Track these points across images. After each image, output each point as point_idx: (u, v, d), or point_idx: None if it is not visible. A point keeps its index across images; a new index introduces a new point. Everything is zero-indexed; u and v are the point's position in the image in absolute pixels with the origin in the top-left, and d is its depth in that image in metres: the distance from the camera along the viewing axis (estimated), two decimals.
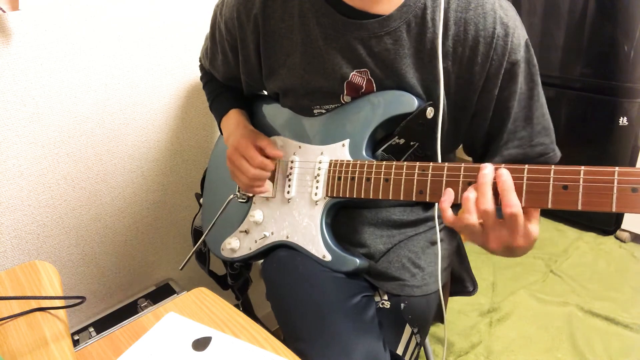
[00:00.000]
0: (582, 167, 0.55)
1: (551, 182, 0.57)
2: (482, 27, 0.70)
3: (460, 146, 0.88)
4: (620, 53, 1.76)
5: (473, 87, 0.74)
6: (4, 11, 0.86)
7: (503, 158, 0.78)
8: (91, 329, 1.12)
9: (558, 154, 0.81)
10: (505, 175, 0.58)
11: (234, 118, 0.95)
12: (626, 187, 0.53)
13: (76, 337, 1.10)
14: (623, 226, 1.97)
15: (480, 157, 0.84)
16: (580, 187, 0.55)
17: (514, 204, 0.57)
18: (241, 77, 0.91)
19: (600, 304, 1.61)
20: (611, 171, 0.53)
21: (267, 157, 0.86)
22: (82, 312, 1.17)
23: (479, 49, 0.71)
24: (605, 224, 2.01)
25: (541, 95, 0.77)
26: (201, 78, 1.08)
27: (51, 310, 0.67)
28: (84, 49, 0.99)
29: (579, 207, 0.55)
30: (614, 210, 0.53)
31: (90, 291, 1.18)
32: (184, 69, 1.17)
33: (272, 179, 0.90)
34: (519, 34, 0.72)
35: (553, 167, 0.57)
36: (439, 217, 0.88)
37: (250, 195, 0.93)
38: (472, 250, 2.00)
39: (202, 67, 1.07)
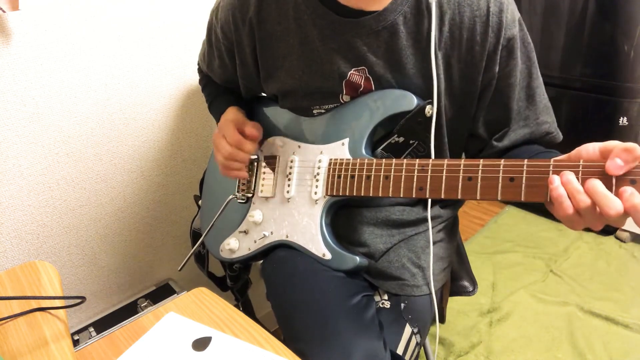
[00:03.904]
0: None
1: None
2: (476, 7, 0.71)
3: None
4: (620, 53, 1.76)
5: (477, 69, 0.74)
6: (4, 11, 0.86)
7: (508, 141, 0.78)
8: (91, 329, 1.12)
9: (560, 134, 0.81)
10: (596, 184, 0.52)
11: (231, 113, 0.95)
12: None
13: (76, 337, 1.10)
14: (623, 226, 1.96)
15: (481, 146, 0.83)
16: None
17: (613, 207, 0.50)
18: (239, 80, 0.91)
19: (600, 304, 1.61)
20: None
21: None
22: (82, 312, 1.17)
23: (477, 29, 0.72)
24: None
25: (539, 74, 0.78)
26: (200, 81, 1.08)
27: (51, 310, 0.67)
28: (84, 49, 0.99)
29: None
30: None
31: (90, 291, 1.18)
32: (184, 69, 1.17)
33: (271, 178, 0.90)
34: (512, 10, 0.73)
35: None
36: (434, 217, 0.88)
37: (250, 195, 0.93)
38: (472, 251, 2.00)
39: (200, 71, 1.08)
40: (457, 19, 0.72)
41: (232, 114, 0.92)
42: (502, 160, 0.60)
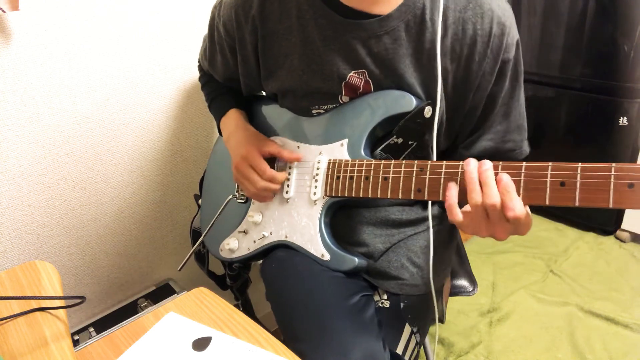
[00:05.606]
0: (580, 164, 0.56)
1: (548, 178, 0.58)
2: (479, 27, 0.71)
3: None
4: (620, 53, 1.76)
5: (469, 86, 0.75)
6: (4, 11, 0.86)
7: (475, 151, 0.81)
8: (91, 329, 1.12)
9: (526, 150, 0.84)
10: (505, 179, 0.59)
11: (233, 118, 0.95)
12: (622, 182, 0.53)
13: (76, 337, 1.10)
14: (623, 226, 1.96)
15: (450, 150, 0.85)
16: (578, 183, 0.56)
17: (515, 207, 0.58)
18: (240, 77, 0.91)
19: (600, 304, 1.61)
20: (608, 167, 0.54)
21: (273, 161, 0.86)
22: (82, 312, 1.18)
23: (477, 48, 0.72)
24: (605, 224, 2.01)
25: (522, 96, 0.80)
26: (200, 78, 1.08)
27: (51, 310, 0.67)
28: (84, 49, 0.99)
29: (577, 203, 0.56)
30: (610, 206, 0.54)
31: (90, 291, 1.18)
32: (184, 69, 1.17)
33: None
34: (513, 34, 0.74)
35: (550, 163, 0.58)
36: (433, 217, 0.88)
37: None
38: (472, 251, 2.00)
39: (200, 68, 1.07)
40: (460, 34, 0.72)
41: (238, 125, 0.92)
42: (500, 162, 0.61)
